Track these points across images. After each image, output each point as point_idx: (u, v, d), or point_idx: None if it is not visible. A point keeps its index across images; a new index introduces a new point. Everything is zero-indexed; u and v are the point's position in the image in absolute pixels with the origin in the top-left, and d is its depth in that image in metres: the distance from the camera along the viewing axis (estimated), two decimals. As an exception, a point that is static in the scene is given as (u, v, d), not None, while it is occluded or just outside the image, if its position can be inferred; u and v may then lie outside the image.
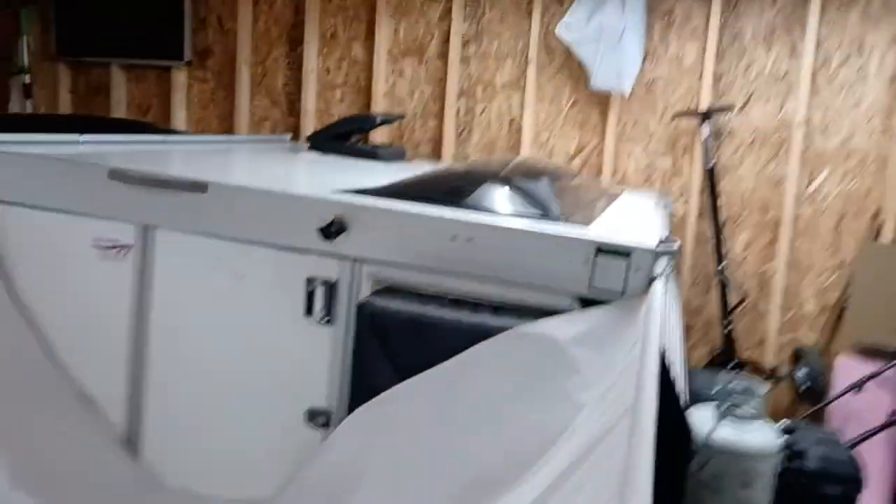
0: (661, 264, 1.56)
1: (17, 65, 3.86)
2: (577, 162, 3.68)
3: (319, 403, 1.72)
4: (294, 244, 1.72)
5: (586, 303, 1.57)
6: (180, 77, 4.12)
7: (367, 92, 3.89)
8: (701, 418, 2.06)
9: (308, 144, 3.17)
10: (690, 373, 2.83)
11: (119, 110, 4.21)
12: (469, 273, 1.63)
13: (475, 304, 1.61)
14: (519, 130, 3.71)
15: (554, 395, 1.42)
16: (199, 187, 1.73)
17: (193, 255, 1.80)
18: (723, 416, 2.03)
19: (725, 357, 3.28)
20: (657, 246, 1.55)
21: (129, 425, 1.89)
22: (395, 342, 1.54)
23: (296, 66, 3.97)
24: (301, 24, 3.92)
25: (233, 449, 1.84)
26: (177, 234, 1.80)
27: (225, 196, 1.75)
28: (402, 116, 3.60)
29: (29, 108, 3.98)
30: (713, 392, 2.17)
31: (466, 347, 1.48)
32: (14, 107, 3.94)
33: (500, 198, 1.87)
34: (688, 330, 3.50)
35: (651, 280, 1.51)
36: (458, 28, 3.73)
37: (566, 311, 1.57)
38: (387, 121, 3.42)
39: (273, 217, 1.73)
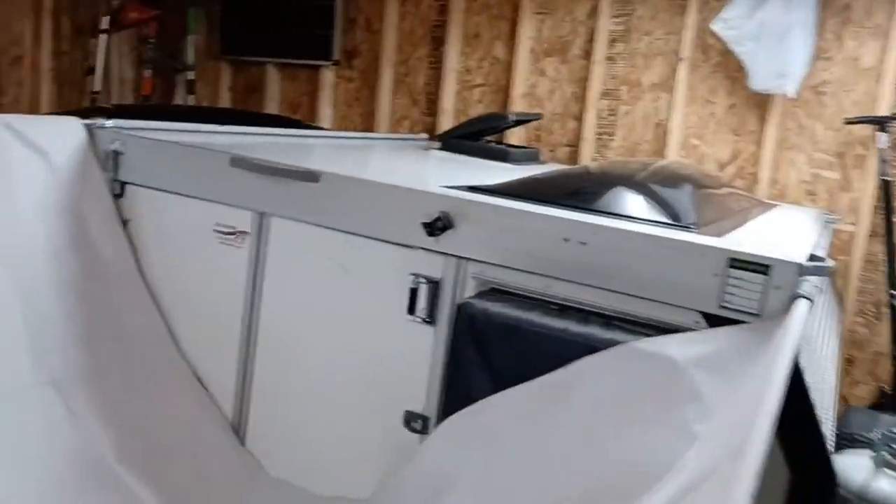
0: (810, 284, 1.34)
1: (182, 62, 4.12)
2: (729, 171, 3.38)
3: (417, 407, 1.65)
4: (400, 239, 1.65)
5: (714, 321, 1.38)
6: (328, 76, 4.23)
7: (505, 92, 3.80)
8: (854, 465, 1.78)
9: (439, 143, 3.12)
10: (848, 412, 2.49)
11: (272, 107, 4.40)
12: (581, 279, 1.49)
13: (586, 314, 1.46)
14: (666, 134, 3.47)
15: (667, 423, 1.25)
16: (311, 177, 1.71)
17: (304, 244, 1.79)
18: (881, 465, 1.74)
19: (893, 398, 2.87)
20: (804, 262, 1.33)
21: (236, 411, 1.91)
22: (494, 347, 1.43)
23: (437, 66, 3.96)
24: (445, 23, 3.90)
25: (331, 444, 1.81)
26: (290, 223, 1.80)
27: (335, 186, 1.72)
28: (538, 116, 3.47)
29: (191, 103, 4.25)
30: (872, 436, 1.87)
31: (571, 360, 1.35)
32: (178, 101, 4.22)
33: (624, 201, 1.71)
34: (849, 363, 3.11)
35: (793, 300, 1.30)
36: (605, 25, 3.55)
37: (689, 330, 1.39)
38: (522, 121, 3.31)
39: (380, 210, 1.68)
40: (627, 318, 1.45)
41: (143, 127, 2.05)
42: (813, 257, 1.40)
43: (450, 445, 1.45)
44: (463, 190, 1.72)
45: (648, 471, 1.23)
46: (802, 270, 1.32)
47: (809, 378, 1.40)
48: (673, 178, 1.99)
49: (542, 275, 1.53)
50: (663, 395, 1.27)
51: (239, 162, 1.79)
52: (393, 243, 1.67)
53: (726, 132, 3.38)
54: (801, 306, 1.27)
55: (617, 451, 1.29)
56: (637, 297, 1.44)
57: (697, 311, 1.40)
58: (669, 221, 1.58)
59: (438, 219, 1.57)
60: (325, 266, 1.76)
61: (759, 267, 1.34)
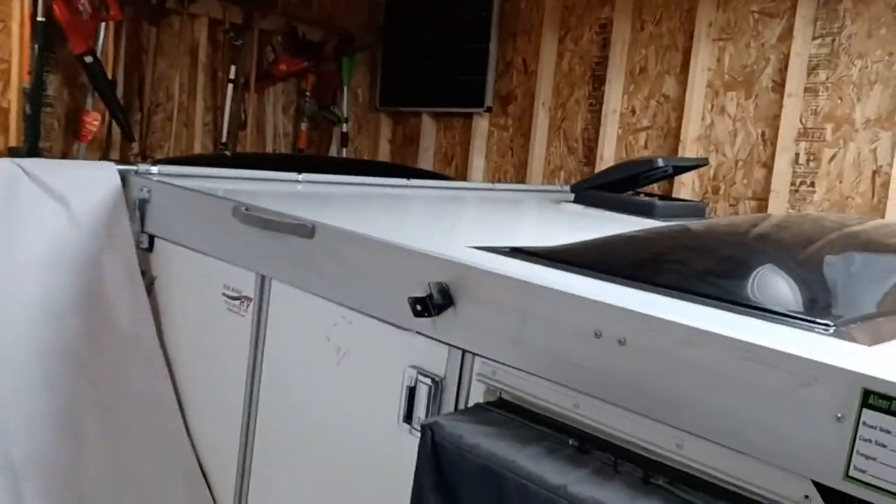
0: None
1: (336, 115, 4.04)
2: (982, 232, 2.46)
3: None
4: (396, 319, 1.21)
5: (838, 503, 0.77)
6: (481, 124, 3.91)
7: (676, 135, 3.18)
8: None
9: (573, 195, 2.62)
10: None
11: (426, 158, 4.16)
12: (616, 399, 0.93)
13: (617, 461, 0.90)
14: (887, 185, 2.64)
15: None
16: (304, 230, 1.34)
17: (301, 316, 1.42)
18: None
19: None
20: None
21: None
22: (464, 498, 0.92)
23: (597, 108, 3.45)
24: (606, 60, 3.41)
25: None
26: (288, 289, 1.43)
27: (330, 243, 1.33)
28: (704, 161, 2.82)
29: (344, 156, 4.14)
30: None
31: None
32: (332, 152, 4.14)
33: (738, 279, 1.12)
34: None
35: None
36: (802, 48, 2.83)
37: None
38: (681, 167, 2.68)
39: (375, 276, 1.25)
40: (685, 473, 0.87)
41: (182, 174, 1.84)
42: None
43: None
44: (497, 253, 1.24)
45: None
46: None
47: None
48: (840, 245, 1.32)
49: (568, 387, 1.00)
50: None
51: (238, 212, 1.47)
52: (391, 324, 1.23)
53: (977, 181, 2.48)
54: None
55: None
56: (706, 440, 0.86)
57: (807, 478, 0.79)
58: (787, 313, 0.97)
59: (430, 293, 1.11)
60: (322, 346, 1.36)
61: (921, 412, 0.71)
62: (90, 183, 1.72)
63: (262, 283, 1.49)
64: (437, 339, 1.16)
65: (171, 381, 1.69)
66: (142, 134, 3.35)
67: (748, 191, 3.01)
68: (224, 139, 3.45)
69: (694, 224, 1.48)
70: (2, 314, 1.53)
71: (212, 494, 1.59)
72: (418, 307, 1.11)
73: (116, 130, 3.25)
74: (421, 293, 1.12)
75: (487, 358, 1.09)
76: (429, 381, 1.17)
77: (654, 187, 3.10)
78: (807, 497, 0.79)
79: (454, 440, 0.94)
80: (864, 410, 0.74)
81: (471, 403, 1.11)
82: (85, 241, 1.68)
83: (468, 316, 1.10)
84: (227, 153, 3.28)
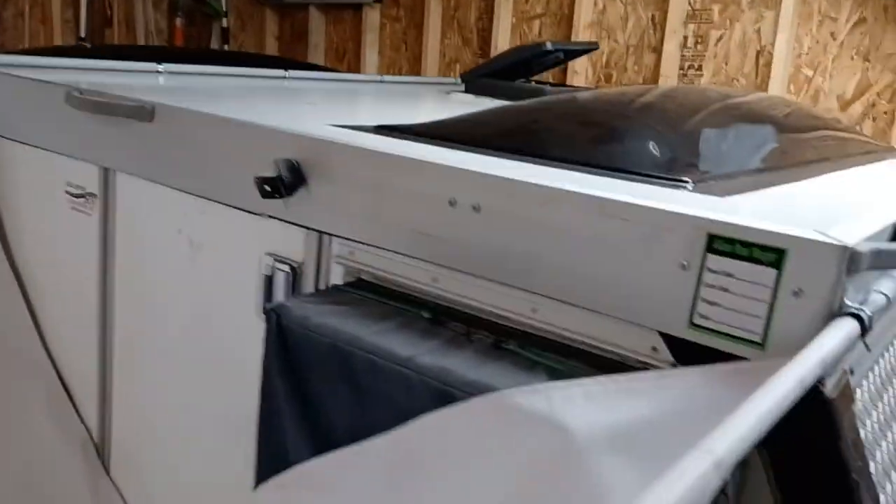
0: (873, 290, 0.68)
1: (214, 7, 3.74)
2: (855, 110, 2.53)
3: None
4: (243, 202, 1.12)
5: (686, 352, 0.75)
6: (372, 16, 3.71)
7: (569, 22, 3.10)
8: None
9: (463, 86, 2.52)
10: None
11: (317, 55, 3.94)
12: (474, 269, 0.89)
13: (471, 330, 0.87)
14: (769, 65, 2.66)
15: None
16: (143, 113, 1.21)
17: (152, 209, 1.30)
18: None
19: None
20: (860, 242, 0.66)
21: (100, 427, 1.48)
22: (313, 380, 0.87)
23: (490, -4, 3.32)
24: (498, -58, 3.25)
25: (198, 481, 1.33)
26: (135, 181, 1.31)
27: (172, 126, 1.20)
28: (593, 45, 2.76)
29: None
30: None
31: (420, 407, 0.76)
32: (214, 45, 3.86)
33: (593, 143, 1.07)
34: None
35: (832, 320, 0.64)
36: (690, -73, 2.76)
37: (629, 368, 0.77)
38: (572, 52, 2.62)
39: (220, 158, 1.15)
40: (542, 336, 0.84)
41: (20, 64, 1.63)
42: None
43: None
44: (361, 130, 1.15)
45: None
46: (855, 260, 0.65)
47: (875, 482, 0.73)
48: (732, 116, 1.29)
49: (425, 261, 0.94)
50: (548, 485, 0.67)
51: (72, 98, 1.31)
52: (243, 210, 1.14)
53: (852, 58, 2.52)
54: (840, 330, 0.62)
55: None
56: (559, 301, 0.83)
57: (655, 330, 0.77)
58: (648, 173, 0.93)
59: (279, 172, 1.02)
60: (174, 240, 1.26)
61: (763, 252, 0.68)
62: None
63: (106, 176, 1.35)
64: (292, 223, 1.08)
65: (24, 295, 1.55)
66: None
67: (639, 77, 2.99)
68: (83, 34, 3.15)
69: (581, 94, 1.43)
70: None
71: (76, 410, 1.50)
72: (266, 188, 1.02)
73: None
74: (271, 173, 1.03)
75: (344, 238, 1.02)
76: (286, 267, 1.10)
77: (549, 76, 3.04)
78: (654, 349, 0.77)
79: (300, 321, 0.87)
80: (709, 255, 0.71)
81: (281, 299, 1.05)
82: None
83: (322, 195, 1.02)
84: (87, 45, 2.99)
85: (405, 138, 1.11)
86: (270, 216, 1.09)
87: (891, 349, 0.90)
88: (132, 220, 1.34)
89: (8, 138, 1.53)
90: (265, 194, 1.02)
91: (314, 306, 0.90)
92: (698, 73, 2.84)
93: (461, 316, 0.89)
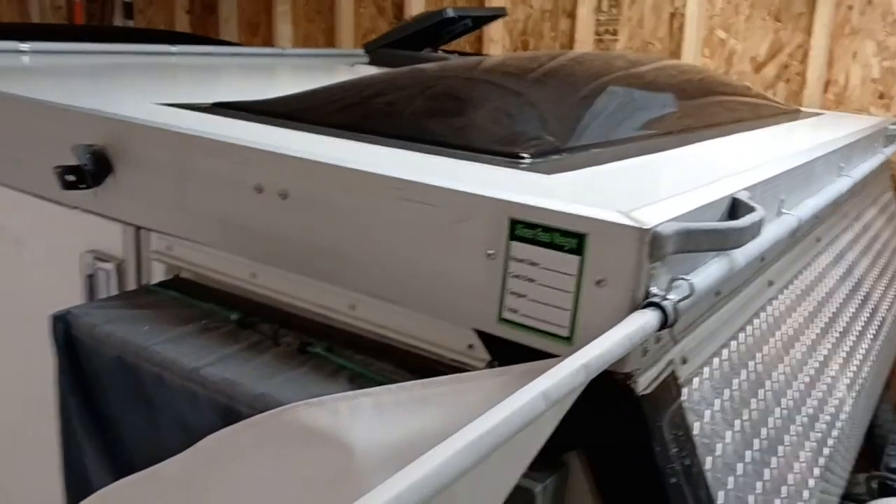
0: (702, 284, 0.61)
1: (115, -18, 3.53)
2: (769, 72, 2.49)
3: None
4: (59, 195, 1.00)
5: (502, 350, 0.67)
6: (284, -14, 3.54)
7: (482, -13, 2.99)
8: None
9: (368, 57, 2.41)
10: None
11: (228, 30, 3.76)
12: (289, 264, 0.79)
13: (279, 332, 0.77)
14: (682, 28, 2.60)
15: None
16: (-55, 97, 1.08)
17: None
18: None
19: None
20: (667, 223, 0.59)
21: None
22: (105, 397, 0.77)
23: (403, -39, 3.18)
24: None
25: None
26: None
27: (-21, 111, 1.08)
28: (501, 11, 2.66)
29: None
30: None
31: (209, 426, 0.67)
32: (117, 23, 3.65)
33: (428, 118, 0.98)
34: None
35: (637, 311, 0.57)
36: None
37: (456, 364, 0.69)
38: (479, 19, 2.51)
39: (32, 147, 1.03)
40: (357, 333, 0.75)
41: None
42: (738, 206, 0.66)
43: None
44: (194, 109, 1.04)
45: None
46: (658, 243, 0.57)
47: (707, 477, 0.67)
48: (600, 85, 1.20)
49: (239, 254, 0.84)
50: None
51: None
52: (58, 203, 1.02)
53: (763, 19, 2.47)
54: (634, 322, 0.54)
55: None
56: (376, 297, 0.74)
57: (469, 328, 0.69)
58: (479, 150, 0.85)
59: (83, 163, 0.91)
60: (2, 238, 1.14)
61: (563, 238, 0.60)
62: None
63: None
64: (107, 217, 0.97)
65: None
66: None
67: (556, 43, 2.91)
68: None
69: (439, 64, 1.33)
70: None
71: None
72: (69, 178, 0.91)
73: None
74: (69, 161, 0.92)
75: (160, 232, 0.92)
76: (108, 265, 0.99)
77: (464, 45, 2.94)
78: (471, 346, 0.69)
79: (87, 330, 0.77)
80: (513, 243, 0.63)
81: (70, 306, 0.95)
82: None
83: (131, 183, 0.91)
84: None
85: (238, 116, 1.00)
86: (87, 210, 0.98)
87: (742, 334, 0.84)
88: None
89: None
90: (67, 185, 0.91)
91: (105, 312, 0.79)
92: (614, 37, 2.77)
93: (277, 316, 0.80)
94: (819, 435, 0.94)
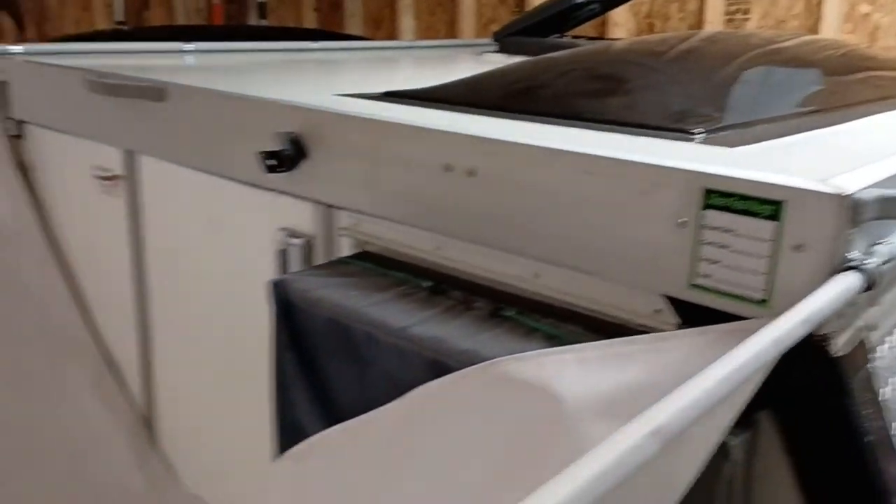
0: (884, 244, 0.63)
1: (250, -16, 3.75)
2: (918, 45, 2.37)
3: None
4: (258, 179, 1.11)
5: (690, 314, 0.72)
6: (407, -20, 3.65)
7: (607, -28, 2.98)
8: None
9: (497, 46, 2.46)
10: None
11: (354, 24, 3.92)
12: (475, 237, 0.86)
13: (470, 298, 0.85)
14: (820, 4, 2.51)
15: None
16: (154, 93, 1.22)
17: (173, 189, 1.32)
18: None
19: None
20: (864, 189, 0.61)
21: (145, 401, 1.53)
22: (318, 352, 0.87)
23: (524, -50, 3.22)
24: None
25: (242, 454, 1.36)
26: (156, 162, 1.33)
27: (184, 105, 1.21)
28: (627, -5, 2.64)
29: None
30: None
31: (417, 378, 0.75)
32: (251, 21, 3.87)
33: (600, 98, 1.03)
34: None
35: (834, 275, 0.60)
36: None
37: (642, 328, 0.74)
38: (608, 3, 2.51)
39: (230, 135, 1.15)
40: (544, 301, 0.82)
41: (50, 51, 1.67)
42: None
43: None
44: (367, 98, 1.13)
45: None
46: (858, 209, 0.60)
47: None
48: (750, 61, 1.21)
49: (428, 230, 0.92)
50: (539, 455, 0.65)
51: (94, 84, 1.34)
52: (255, 186, 1.14)
53: (913, -11, 2.35)
54: (837, 285, 0.58)
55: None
56: (560, 266, 0.80)
57: (657, 293, 0.73)
58: (655, 125, 0.89)
59: (282, 147, 1.01)
60: (195, 218, 1.28)
61: (761, 206, 0.64)
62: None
63: (130, 158, 1.38)
64: (300, 197, 1.07)
65: (61, 273, 1.60)
66: (38, 21, 3.09)
67: (683, 24, 2.87)
68: (121, 18, 3.20)
69: (615, 44, 1.37)
70: None
71: (122, 387, 1.55)
72: (269, 162, 1.02)
73: (7, 19, 3.00)
74: (270, 146, 1.02)
75: (349, 209, 1.01)
76: (298, 241, 1.10)
77: (588, 30, 2.94)
78: (657, 311, 0.74)
79: (300, 295, 0.87)
80: (706, 212, 0.67)
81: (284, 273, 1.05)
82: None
83: (324, 166, 1.01)
84: (124, 28, 3.04)
85: (409, 103, 1.08)
86: (280, 191, 1.09)
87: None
88: (157, 201, 1.36)
89: (37, 125, 1.57)
90: (269, 169, 1.02)
91: (314, 279, 0.89)
92: (745, 17, 2.70)
93: (463, 285, 0.88)
94: None
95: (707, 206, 0.67)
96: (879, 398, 0.70)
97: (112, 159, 1.41)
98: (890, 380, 0.74)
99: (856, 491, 0.66)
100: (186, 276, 1.35)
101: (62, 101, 1.47)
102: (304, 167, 1.03)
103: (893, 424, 0.71)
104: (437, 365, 0.74)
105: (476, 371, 0.71)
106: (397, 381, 0.77)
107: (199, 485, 1.46)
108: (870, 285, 0.59)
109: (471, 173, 0.84)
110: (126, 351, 1.52)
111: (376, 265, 0.95)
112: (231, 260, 1.23)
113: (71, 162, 1.52)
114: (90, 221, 1.51)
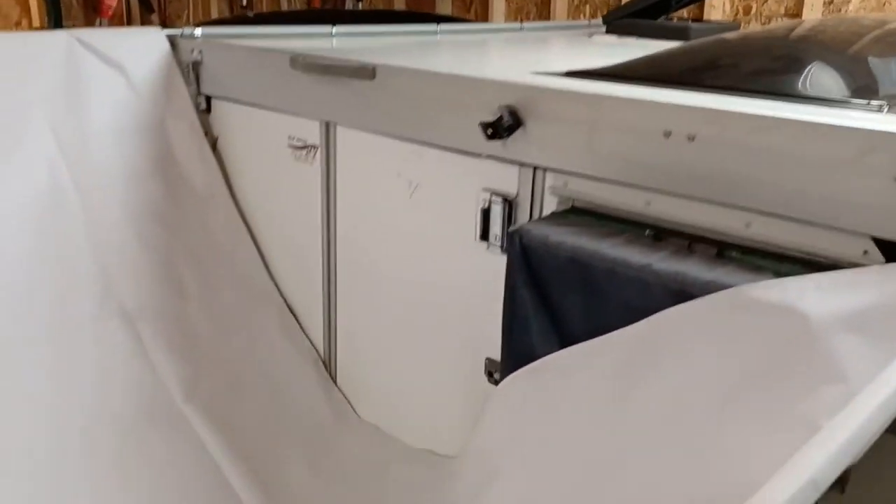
0: None
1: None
2: None
3: (496, 354, 1.31)
4: (466, 146, 1.29)
5: (891, 254, 0.87)
6: (499, -37, 3.78)
7: (707, -46, 3.08)
8: None
9: (605, 27, 2.60)
10: None
11: (444, 4, 4.07)
12: (688, 191, 1.03)
13: (689, 243, 1.01)
14: (930, -15, 2.59)
15: (788, 413, 0.80)
16: (365, 72, 1.40)
17: (370, 156, 1.50)
18: None
19: None
20: None
21: (326, 346, 1.73)
22: (555, 288, 1.05)
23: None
24: None
25: (417, 390, 1.56)
26: (355, 133, 1.51)
27: (393, 82, 1.39)
28: (734, -22, 2.75)
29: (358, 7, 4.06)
30: None
31: (654, 308, 0.92)
32: (348, 5, 4.05)
33: (790, 75, 1.17)
34: None
35: None
36: None
37: (846, 266, 0.90)
38: (713, -14, 2.63)
39: (441, 108, 1.32)
40: (753, 248, 0.98)
41: (230, 34, 1.87)
42: None
43: (502, 415, 1.12)
44: (554, 76, 1.30)
45: (752, 479, 0.80)
46: None
47: None
48: (879, 41, 1.35)
49: (638, 187, 1.09)
50: (785, 370, 0.82)
51: (297, 62, 1.53)
52: (460, 152, 1.32)
53: None
54: None
55: (712, 446, 0.87)
56: (772, 215, 0.96)
57: (866, 235, 0.89)
58: (841, 99, 1.04)
59: (501, 116, 1.18)
60: (393, 182, 1.46)
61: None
62: (142, 49, 1.76)
63: (327, 129, 1.57)
64: (507, 160, 1.24)
65: (247, 231, 1.81)
66: (160, 4, 3.32)
67: (780, 7, 2.96)
68: (245, 2, 3.42)
69: (730, 35, 1.51)
70: (84, 178, 1.63)
71: (305, 334, 1.76)
72: (489, 131, 1.19)
73: (134, 3, 3.23)
74: (489, 118, 1.20)
75: (558, 171, 1.19)
76: (501, 200, 1.27)
77: (685, 13, 3.05)
78: (866, 252, 0.90)
79: (541, 240, 1.05)
80: (921, 167, 0.83)
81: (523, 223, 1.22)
82: (147, 107, 1.75)
83: (538, 134, 1.18)
84: (250, 14, 3.25)
85: (596, 80, 1.25)
86: (488, 156, 1.26)
87: None
88: (352, 166, 1.55)
89: (230, 100, 1.77)
90: (489, 136, 1.19)
91: (550, 227, 1.07)
92: (848, 2, 2.78)
93: (679, 233, 1.04)
94: None
95: (921, 162, 0.83)
96: None
97: (308, 131, 1.60)
98: None
99: None
100: (376, 233, 1.54)
101: (261, 79, 1.66)
102: (517, 135, 1.20)
103: None
104: (682, 295, 0.91)
105: (722, 296, 0.88)
106: (637, 313, 0.94)
107: (374, 416, 1.66)
108: None
109: (690, 138, 1.01)
110: (309, 299, 1.73)
111: (591, 218, 1.12)
112: (430, 218, 1.42)
113: (264, 134, 1.71)
114: (280, 186, 1.71)
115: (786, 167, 0.93)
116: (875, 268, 0.83)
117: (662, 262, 0.95)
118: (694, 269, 0.93)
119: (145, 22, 3.30)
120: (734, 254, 0.96)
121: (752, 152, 0.95)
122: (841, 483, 0.64)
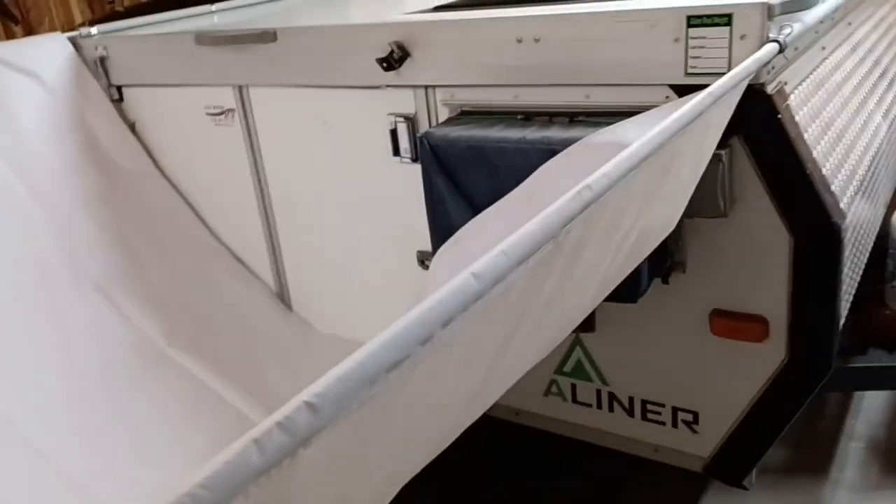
0: (791, 26, 1.17)
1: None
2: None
3: (426, 245, 1.64)
4: (366, 81, 1.59)
5: (686, 92, 1.25)
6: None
7: None
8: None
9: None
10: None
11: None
12: (543, 81, 1.38)
13: (551, 118, 1.37)
14: None
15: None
16: (268, 37, 1.66)
17: (284, 108, 1.77)
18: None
19: None
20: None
21: (276, 280, 2.01)
22: (461, 172, 1.38)
23: None
24: None
25: (365, 294, 1.87)
26: (266, 91, 1.78)
27: (293, 41, 1.66)
28: None
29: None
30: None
31: (535, 166, 1.27)
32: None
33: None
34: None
35: (769, 48, 1.14)
36: None
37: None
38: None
39: (341, 55, 1.61)
40: (593, 111, 1.34)
41: (126, 27, 2.06)
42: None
43: (436, 280, 1.46)
44: (426, 12, 1.61)
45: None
46: (773, 10, 1.14)
47: (811, 133, 1.26)
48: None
49: (506, 85, 1.43)
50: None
51: (203, 38, 1.76)
52: (362, 87, 1.61)
53: None
54: (763, 51, 1.12)
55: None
56: (602, 85, 1.33)
57: (666, 85, 1.27)
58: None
59: (392, 51, 1.49)
60: (308, 123, 1.74)
61: (719, 19, 1.18)
62: (49, 55, 1.94)
63: (241, 92, 1.82)
64: (403, 86, 1.56)
65: (182, 200, 2.04)
66: (21, 13, 3.36)
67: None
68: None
69: None
70: (30, 177, 1.81)
71: (256, 276, 2.03)
72: (384, 65, 1.50)
73: (-6, 18, 3.25)
74: (382, 54, 1.50)
75: (445, 86, 1.51)
76: (404, 119, 1.59)
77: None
78: (667, 98, 1.28)
79: (443, 137, 1.38)
80: (690, 29, 1.21)
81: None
82: (66, 106, 1.94)
83: (424, 60, 1.50)
84: (120, 9, 3.35)
85: (459, 10, 1.57)
86: (387, 86, 1.57)
87: (817, 70, 1.41)
88: (270, 119, 1.81)
89: (141, 85, 1.98)
90: (385, 69, 1.50)
91: (448, 128, 1.40)
92: None
93: (541, 114, 1.39)
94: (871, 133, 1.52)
95: (690, 26, 1.20)
96: (794, 118, 1.27)
97: (222, 98, 1.84)
98: (800, 111, 1.31)
99: (786, 166, 1.23)
100: (302, 172, 1.82)
101: (166, 61, 1.88)
102: (408, 64, 1.51)
103: (804, 134, 1.28)
104: (550, 152, 1.26)
105: (576, 146, 1.24)
106: (524, 175, 1.29)
107: (331, 328, 1.97)
108: (782, 49, 1.14)
109: (536, 40, 1.35)
110: (254, 245, 1.99)
111: (478, 115, 1.46)
112: (346, 147, 1.71)
113: (179, 109, 1.94)
114: (206, 152, 1.95)
115: (606, 48, 1.29)
116: (672, 102, 1.21)
117: (533, 133, 1.30)
118: (555, 133, 1.28)
119: (9, 33, 3.33)
120: (581, 118, 1.33)
121: (582, 42, 1.31)
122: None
